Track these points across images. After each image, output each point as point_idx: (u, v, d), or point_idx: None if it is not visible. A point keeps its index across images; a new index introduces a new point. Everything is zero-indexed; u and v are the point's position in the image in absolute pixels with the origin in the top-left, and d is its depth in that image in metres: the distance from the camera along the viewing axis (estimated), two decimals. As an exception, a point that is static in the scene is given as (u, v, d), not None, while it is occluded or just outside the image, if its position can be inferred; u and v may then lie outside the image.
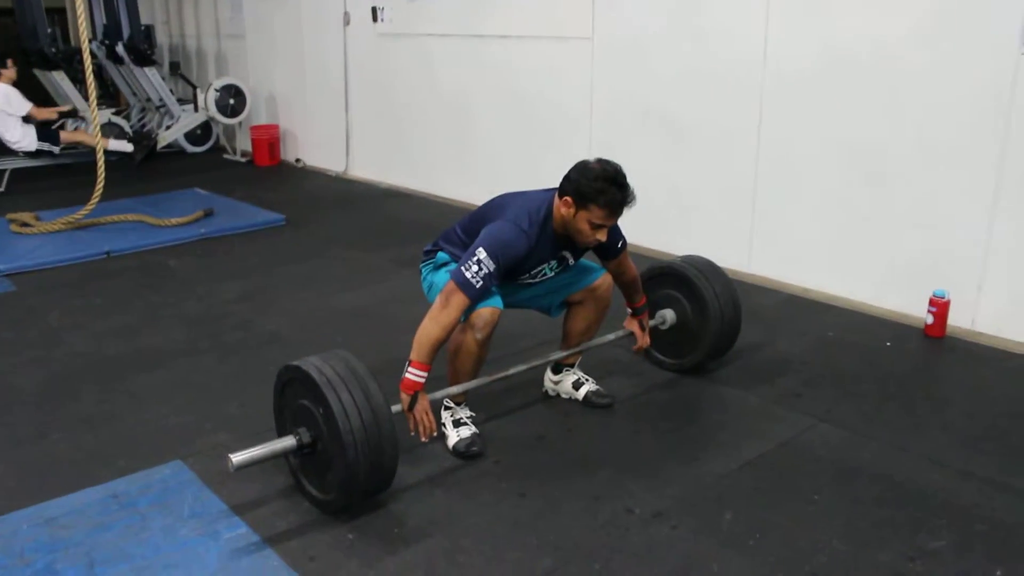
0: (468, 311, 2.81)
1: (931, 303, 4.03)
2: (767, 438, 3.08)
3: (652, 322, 3.48)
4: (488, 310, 2.84)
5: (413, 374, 2.73)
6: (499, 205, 2.95)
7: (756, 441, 3.06)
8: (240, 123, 9.05)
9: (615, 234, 3.04)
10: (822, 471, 2.87)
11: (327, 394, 2.47)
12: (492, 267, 2.73)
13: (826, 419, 3.22)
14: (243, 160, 9.05)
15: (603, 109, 5.56)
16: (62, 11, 11.88)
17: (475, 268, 2.72)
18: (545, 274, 3.04)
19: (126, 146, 8.29)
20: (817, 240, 4.60)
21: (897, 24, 4.08)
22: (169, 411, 3.35)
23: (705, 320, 3.44)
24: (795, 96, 4.54)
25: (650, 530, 2.55)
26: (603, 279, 3.18)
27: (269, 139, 8.71)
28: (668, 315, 3.53)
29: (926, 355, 3.92)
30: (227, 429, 3.18)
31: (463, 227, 3.06)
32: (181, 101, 9.19)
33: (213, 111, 8.76)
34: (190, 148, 9.38)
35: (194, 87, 9.21)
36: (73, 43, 10.98)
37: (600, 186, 2.73)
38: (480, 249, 2.74)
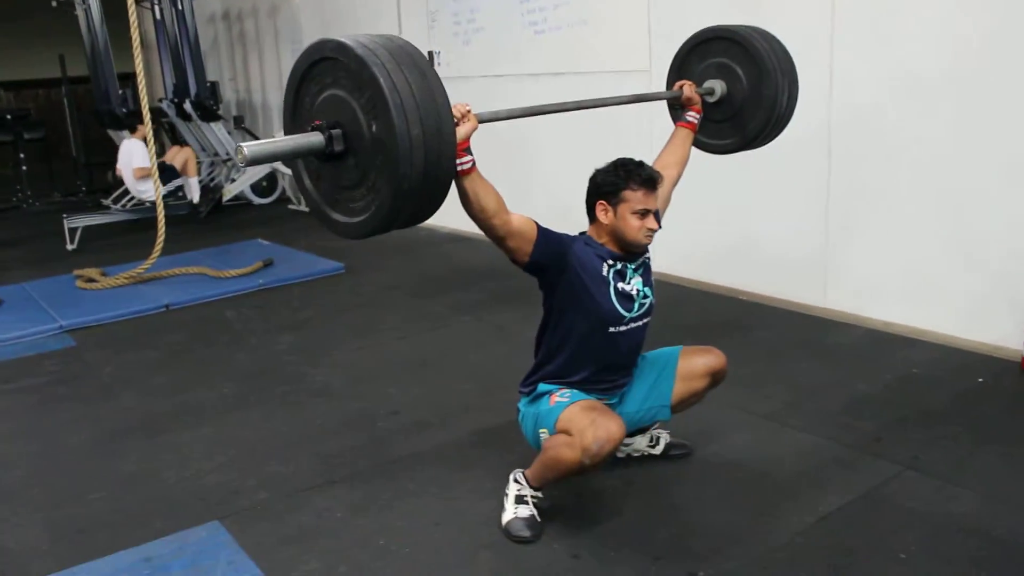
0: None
1: (1027, 335, 3.71)
2: (846, 489, 2.80)
3: (699, 90, 3.14)
4: (612, 425, 2.44)
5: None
6: None
7: (834, 492, 2.78)
8: (304, 174, 9.08)
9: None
10: (909, 526, 2.57)
11: (377, 73, 1.89)
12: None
13: (912, 466, 2.92)
14: (308, 210, 9.04)
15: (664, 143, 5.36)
16: (134, 75, 12.22)
17: None
18: (634, 284, 2.67)
19: (197, 192, 8.41)
20: (897, 269, 4.29)
21: (969, 42, 3.82)
22: (211, 469, 3.22)
23: (762, 85, 3.06)
24: (865, 122, 4.29)
25: (715, 596, 2.30)
26: (706, 361, 2.82)
27: (332, 188, 8.69)
28: (717, 86, 3.15)
29: (1024, 392, 3.58)
30: (268, 488, 3.04)
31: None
32: (247, 155, 9.31)
33: (277, 162, 8.82)
34: (256, 200, 9.45)
35: (257, 139, 9.32)
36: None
37: (620, 173, 2.63)
38: None
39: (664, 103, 3.32)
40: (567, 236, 2.63)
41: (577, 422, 2.45)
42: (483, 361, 4.19)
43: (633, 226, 2.60)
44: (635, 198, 2.59)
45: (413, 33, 7.42)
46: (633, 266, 2.69)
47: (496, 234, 2.48)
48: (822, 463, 3.01)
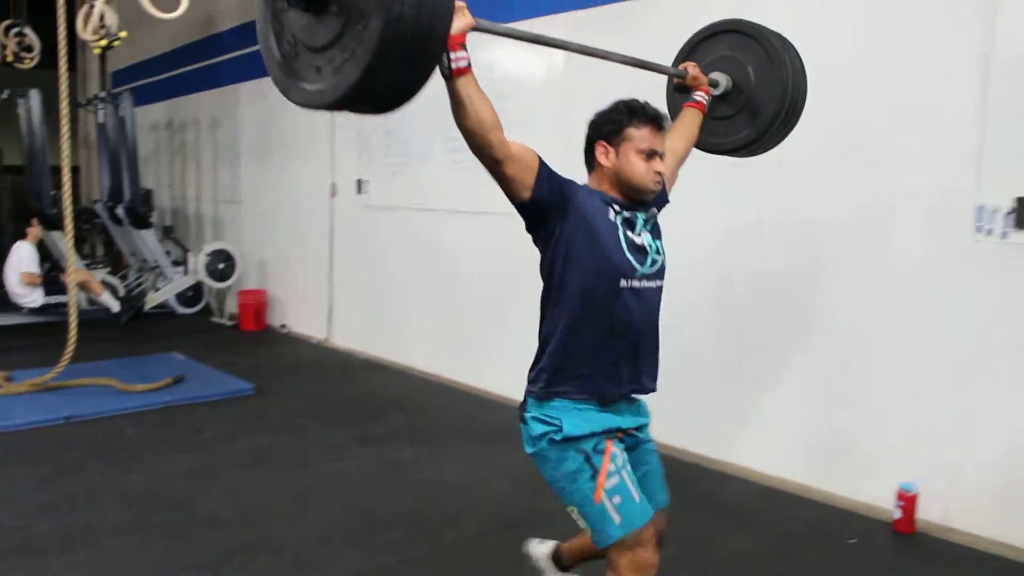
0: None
1: (899, 496, 3.83)
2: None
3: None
4: (647, 552, 2.38)
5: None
6: None
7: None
8: (229, 287, 9.11)
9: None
10: None
11: None
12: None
13: (776, 630, 2.99)
14: (229, 324, 9.03)
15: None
16: (74, 170, 12.23)
17: None
18: (644, 237, 2.44)
19: (113, 303, 8.35)
20: (793, 426, 4.44)
21: (874, 198, 4.09)
22: (78, 600, 3.15)
23: (774, 80, 2.91)
24: (766, 277, 4.51)
25: None
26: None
27: (256, 304, 8.74)
28: (722, 79, 3.00)
29: (892, 554, 3.69)
30: (133, 624, 2.98)
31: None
32: (176, 263, 9.33)
33: (202, 275, 8.85)
34: (181, 309, 9.42)
35: (185, 250, 9.37)
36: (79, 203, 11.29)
37: (623, 110, 2.41)
38: None
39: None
40: (569, 179, 2.38)
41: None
42: (375, 500, 4.17)
43: (638, 167, 2.38)
44: (640, 136, 2.38)
45: (345, 161, 7.64)
46: (643, 216, 2.45)
47: (494, 155, 2.20)
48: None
